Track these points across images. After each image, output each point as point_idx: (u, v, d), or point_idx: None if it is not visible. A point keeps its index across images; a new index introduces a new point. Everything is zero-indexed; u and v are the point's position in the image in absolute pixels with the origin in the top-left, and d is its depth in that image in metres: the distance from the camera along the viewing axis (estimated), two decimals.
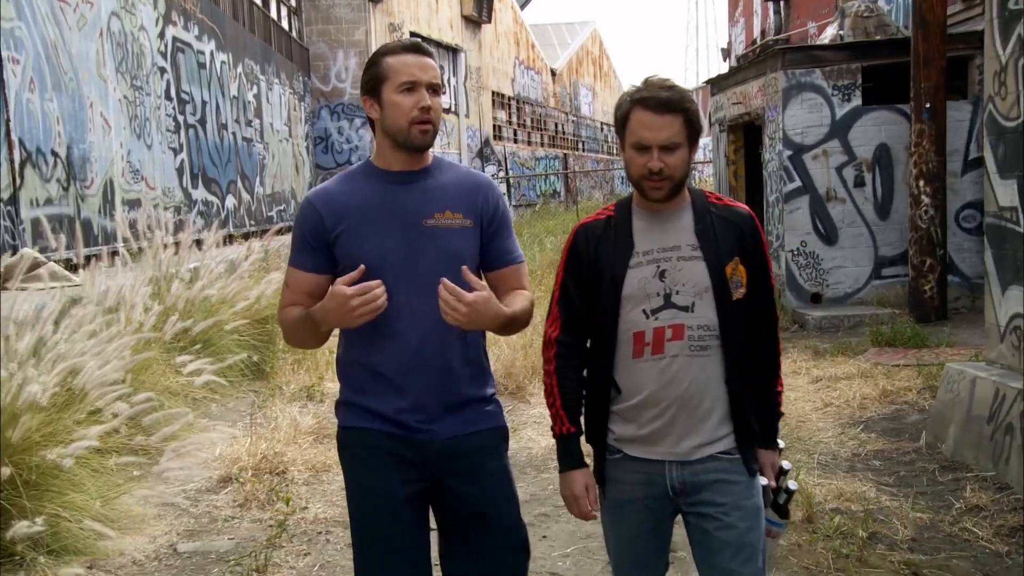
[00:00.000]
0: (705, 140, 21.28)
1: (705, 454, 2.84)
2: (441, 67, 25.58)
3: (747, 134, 14.25)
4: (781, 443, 3.04)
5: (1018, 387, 5.78)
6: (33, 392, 4.37)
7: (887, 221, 11.94)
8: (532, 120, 34.48)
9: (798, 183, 11.96)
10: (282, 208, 16.74)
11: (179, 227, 8.81)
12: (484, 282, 2.77)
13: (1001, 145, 6.24)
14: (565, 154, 37.92)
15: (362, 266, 2.71)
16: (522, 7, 37.01)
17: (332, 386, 8.35)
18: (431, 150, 2.93)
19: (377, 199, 2.84)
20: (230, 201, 13.25)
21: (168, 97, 10.86)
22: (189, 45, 11.80)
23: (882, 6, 14.54)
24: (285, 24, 18.67)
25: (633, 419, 2.87)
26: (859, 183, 11.97)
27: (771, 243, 12.09)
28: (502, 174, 29.47)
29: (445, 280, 2.63)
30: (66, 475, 4.59)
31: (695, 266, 2.83)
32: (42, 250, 7.01)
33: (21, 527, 4.18)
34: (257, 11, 16.04)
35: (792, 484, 3.00)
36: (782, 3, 19.96)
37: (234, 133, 13.74)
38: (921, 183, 10.75)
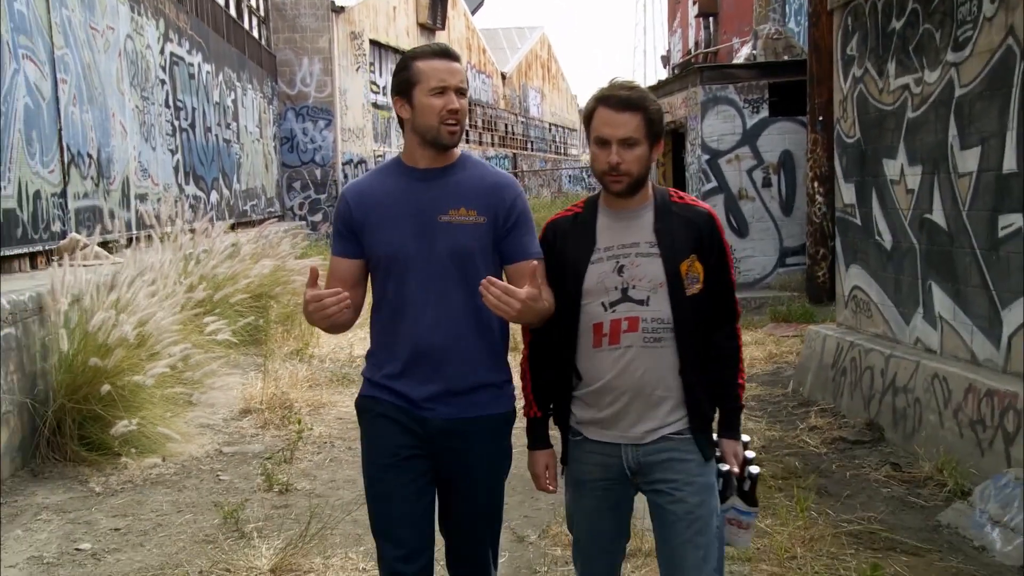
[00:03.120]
0: None
1: (656, 436, 3.00)
2: None
3: (673, 140, 16.10)
4: (746, 437, 3.19)
5: (851, 340, 7.66)
6: (125, 331, 6.05)
7: (790, 217, 13.80)
8: (483, 121, 36.22)
9: (715, 183, 13.82)
10: (254, 203, 18.33)
11: (181, 219, 10.40)
12: (536, 279, 2.89)
13: (844, 156, 8.11)
14: (515, 154, 39.71)
15: (313, 266, 2.99)
16: (473, 12, 38.64)
17: (317, 350, 10.06)
18: (459, 148, 3.11)
19: (400, 194, 3.03)
20: (214, 196, 14.86)
21: (167, 105, 12.47)
22: (182, 59, 13.42)
23: (792, 28, 16.48)
24: (255, 33, 20.22)
25: (593, 403, 3.04)
26: (766, 184, 13.85)
27: None
28: None
29: (492, 279, 2.79)
30: (146, 393, 6.28)
31: (651, 262, 2.97)
32: (91, 233, 8.64)
33: (121, 426, 5.88)
34: (232, 23, 17.62)
35: (754, 469, 3.12)
36: (711, 19, 21.91)
37: (216, 135, 15.35)
38: (816, 184, 12.55)
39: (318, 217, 22.29)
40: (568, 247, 3.04)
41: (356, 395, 3.20)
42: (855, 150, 7.87)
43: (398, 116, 3.06)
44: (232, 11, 17.91)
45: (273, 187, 20.82)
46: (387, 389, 3.05)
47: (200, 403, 7.45)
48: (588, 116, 3.00)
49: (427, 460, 3.05)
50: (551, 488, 3.19)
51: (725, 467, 3.07)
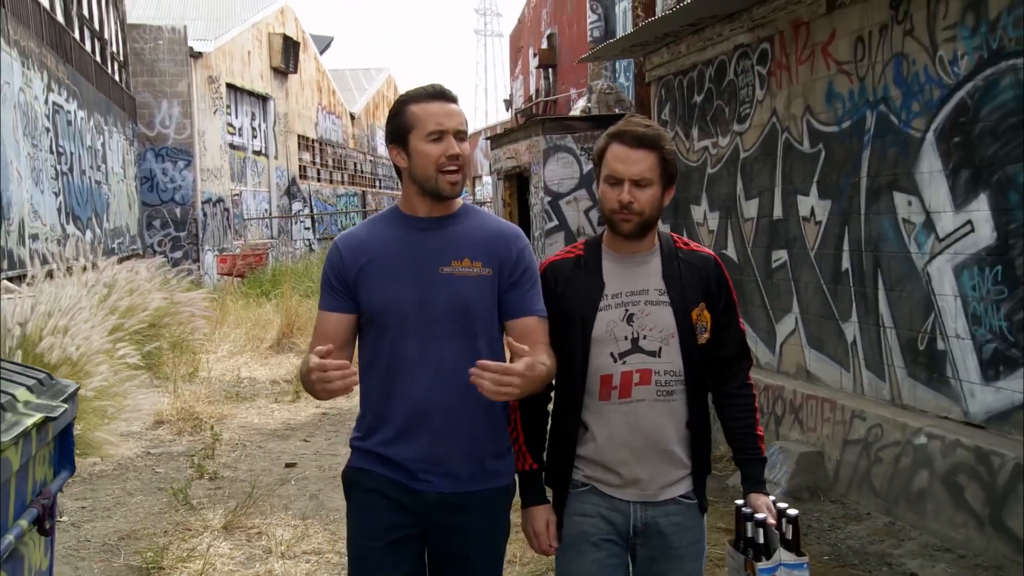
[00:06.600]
0: (487, 181, 24.94)
1: (669, 496, 2.86)
2: (252, 114, 28.24)
3: (518, 182, 17.80)
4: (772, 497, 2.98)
5: None
6: (70, 352, 7.18)
7: None
8: (334, 160, 37.40)
9: (556, 222, 15.51)
10: (121, 240, 19.13)
11: (84, 256, 11.40)
12: (523, 346, 2.66)
13: None
14: (364, 191, 40.99)
15: (330, 345, 2.61)
16: (321, 52, 39.83)
17: (207, 373, 11.20)
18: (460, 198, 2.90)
19: (398, 244, 2.82)
20: (89, 235, 15.73)
21: (51, 151, 13.39)
22: (62, 107, 14.34)
23: (622, 83, 18.44)
24: (117, 77, 21.05)
25: (600, 461, 2.86)
26: (602, 223, 15.62)
27: None
28: (307, 211, 32.31)
29: (482, 362, 2.52)
30: (83, 404, 7.39)
31: (662, 311, 2.82)
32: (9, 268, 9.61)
33: None
34: (99, 69, 18.48)
35: (792, 511, 2.87)
36: (551, 70, 23.84)
37: (90, 177, 16.22)
38: None
39: (179, 254, 23.10)
40: (572, 292, 2.87)
41: (344, 465, 2.98)
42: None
43: (395, 164, 2.88)
44: (98, 57, 18.76)
45: (135, 225, 21.57)
46: (380, 459, 2.82)
47: (118, 416, 8.55)
48: (600, 154, 2.89)
49: (420, 541, 2.84)
50: (553, 547, 2.93)
51: (761, 516, 2.85)
